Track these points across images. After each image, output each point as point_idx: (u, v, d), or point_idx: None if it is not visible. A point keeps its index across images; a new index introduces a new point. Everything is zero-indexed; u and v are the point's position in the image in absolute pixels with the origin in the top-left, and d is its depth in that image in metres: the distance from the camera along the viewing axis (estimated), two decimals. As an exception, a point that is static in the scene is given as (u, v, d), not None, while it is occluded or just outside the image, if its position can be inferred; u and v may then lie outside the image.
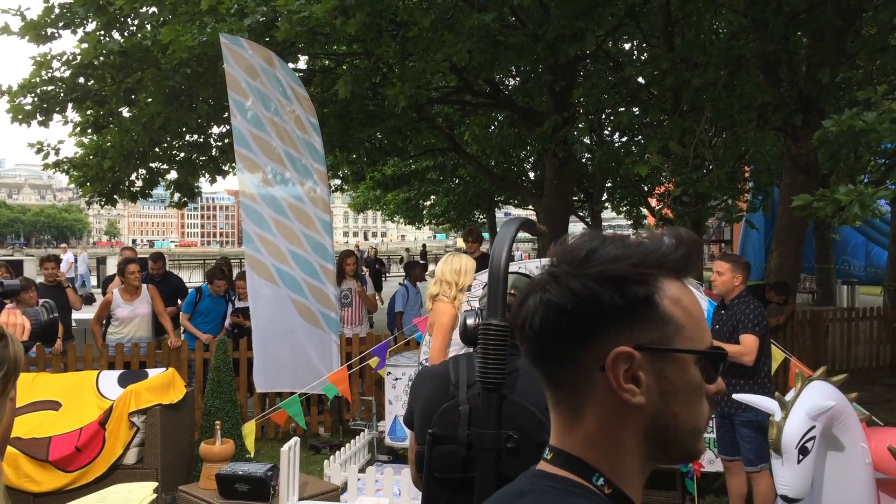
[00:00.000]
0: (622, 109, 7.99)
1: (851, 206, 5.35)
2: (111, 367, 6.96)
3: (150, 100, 9.17)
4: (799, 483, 4.23)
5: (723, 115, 7.89)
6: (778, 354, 5.49)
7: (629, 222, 24.06)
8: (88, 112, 10.60)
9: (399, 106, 8.10)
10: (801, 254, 10.42)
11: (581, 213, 25.58)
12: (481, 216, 27.43)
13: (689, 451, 0.98)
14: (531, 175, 20.29)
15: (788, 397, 4.37)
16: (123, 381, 5.69)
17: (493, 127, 16.60)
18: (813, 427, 4.22)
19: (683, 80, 8.05)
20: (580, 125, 8.41)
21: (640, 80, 9.84)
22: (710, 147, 7.53)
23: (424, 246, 41.61)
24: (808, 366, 8.24)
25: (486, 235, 27.74)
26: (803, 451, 4.20)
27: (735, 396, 4.64)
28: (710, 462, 5.47)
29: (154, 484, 2.75)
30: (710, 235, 39.79)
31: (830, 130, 5.49)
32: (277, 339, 6.96)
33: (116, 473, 5.30)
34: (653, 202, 18.41)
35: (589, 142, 16.82)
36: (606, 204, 23.31)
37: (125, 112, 10.52)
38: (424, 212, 26.22)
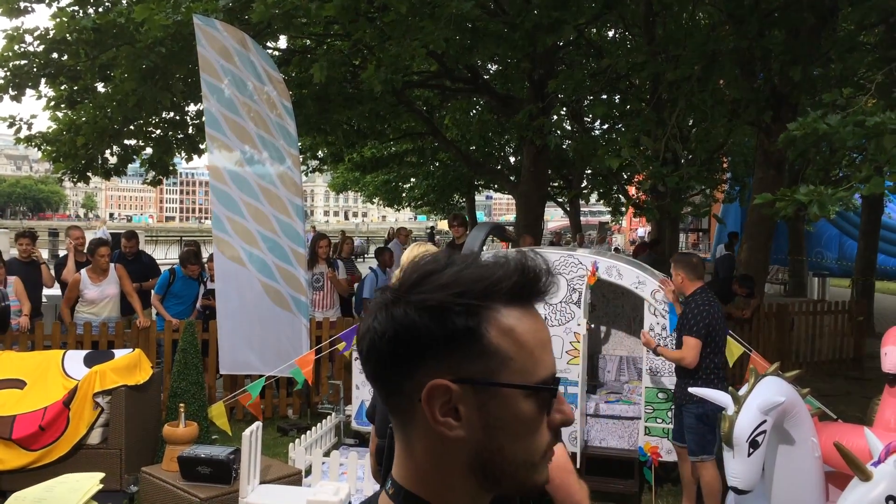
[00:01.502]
0: (598, 99, 8.01)
1: (811, 206, 5.44)
2: (80, 346, 6.95)
3: (125, 76, 9.08)
4: (749, 475, 4.34)
5: (696, 109, 7.95)
6: (736, 349, 5.59)
7: (608, 209, 24.22)
8: (62, 87, 10.47)
9: (374, 89, 8.08)
10: (770, 248, 10.57)
11: (560, 200, 25.70)
12: (461, 199, 27.45)
13: (523, 483, 0.93)
14: (511, 160, 20.33)
15: (742, 392, 4.47)
16: (89, 362, 5.69)
17: (473, 112, 16.59)
18: (764, 421, 4.33)
19: (659, 73, 8.12)
20: (556, 115, 8.42)
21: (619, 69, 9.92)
22: (682, 141, 7.59)
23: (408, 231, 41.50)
24: (772, 358, 8.40)
25: (466, 217, 27.85)
26: (754, 445, 4.30)
27: (691, 390, 4.73)
28: (669, 452, 5.58)
29: (100, 475, 2.80)
30: (688, 224, 40.15)
31: (794, 133, 5.57)
32: (246, 322, 6.99)
33: (80, 453, 5.32)
34: (631, 191, 18.56)
35: (570, 128, 16.92)
36: (585, 191, 23.43)
37: (100, 87, 10.40)
38: (404, 194, 26.17)
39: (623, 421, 5.92)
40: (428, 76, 12.60)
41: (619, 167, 7.98)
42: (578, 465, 5.67)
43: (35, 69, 9.23)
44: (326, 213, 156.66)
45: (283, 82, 7.32)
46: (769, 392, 4.39)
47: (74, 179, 10.46)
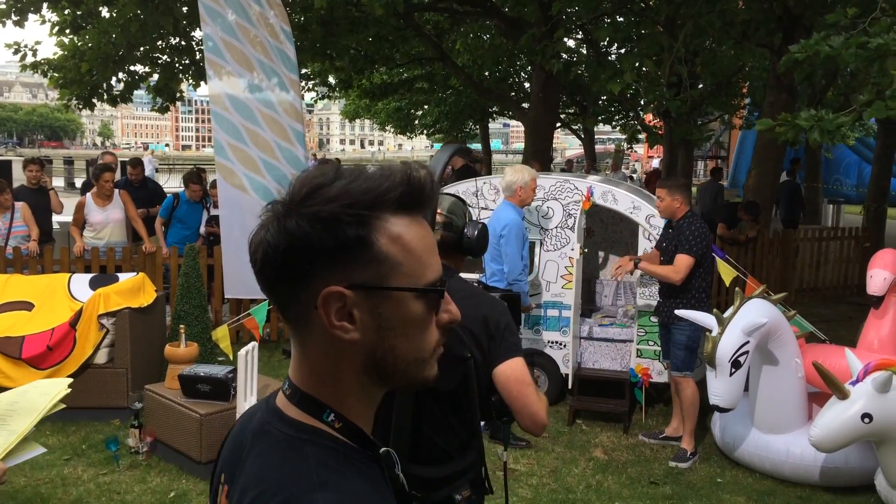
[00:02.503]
0: (603, 22, 7.82)
1: (812, 131, 5.37)
2: (87, 270, 7.10)
3: (126, 1, 8.98)
4: (730, 394, 4.45)
5: (703, 31, 7.77)
6: (729, 272, 5.63)
7: (624, 136, 23.93)
8: (66, 12, 10.38)
9: (375, 12, 7.95)
10: (780, 172, 10.47)
11: (574, 127, 25.39)
12: (475, 126, 27.19)
13: (413, 379, 1.01)
14: (526, 87, 20.01)
15: (727, 314, 4.54)
16: (94, 284, 5.83)
17: (486, 37, 16.26)
18: (747, 342, 4.41)
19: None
20: (563, 38, 8.24)
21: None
22: (688, 65, 7.45)
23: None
24: (775, 285, 8.43)
25: (479, 146, 27.55)
26: (736, 365, 4.39)
27: (678, 312, 4.80)
28: (660, 373, 5.70)
29: (68, 380, 2.92)
30: (707, 152, 39.56)
31: (796, 56, 5.45)
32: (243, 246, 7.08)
33: (88, 372, 5.52)
34: (648, 118, 18.28)
35: (585, 53, 16.56)
36: (601, 118, 23.10)
37: (104, 13, 10.30)
38: (416, 122, 25.95)
39: (616, 343, 6.02)
40: (436, -1, 12.34)
41: (625, 91, 7.84)
42: (570, 386, 5.82)
43: (36, -7, 9.14)
44: (342, 142, 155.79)
45: (281, 5, 7.21)
46: (753, 314, 4.45)
47: (80, 106, 10.48)
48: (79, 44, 10.41)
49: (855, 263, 10.43)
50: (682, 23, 8.01)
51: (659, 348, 5.62)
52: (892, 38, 5.18)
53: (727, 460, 5.09)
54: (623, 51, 14.43)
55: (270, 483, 0.94)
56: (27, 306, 5.78)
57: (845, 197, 22.03)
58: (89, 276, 6.11)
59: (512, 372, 2.17)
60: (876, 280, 4.75)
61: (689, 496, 4.57)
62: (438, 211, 2.31)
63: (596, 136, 34.07)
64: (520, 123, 15.16)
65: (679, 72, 7.17)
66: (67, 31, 10.62)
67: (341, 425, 1.00)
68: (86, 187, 8.63)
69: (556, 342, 5.94)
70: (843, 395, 4.04)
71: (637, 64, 7.37)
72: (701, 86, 16.13)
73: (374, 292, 0.95)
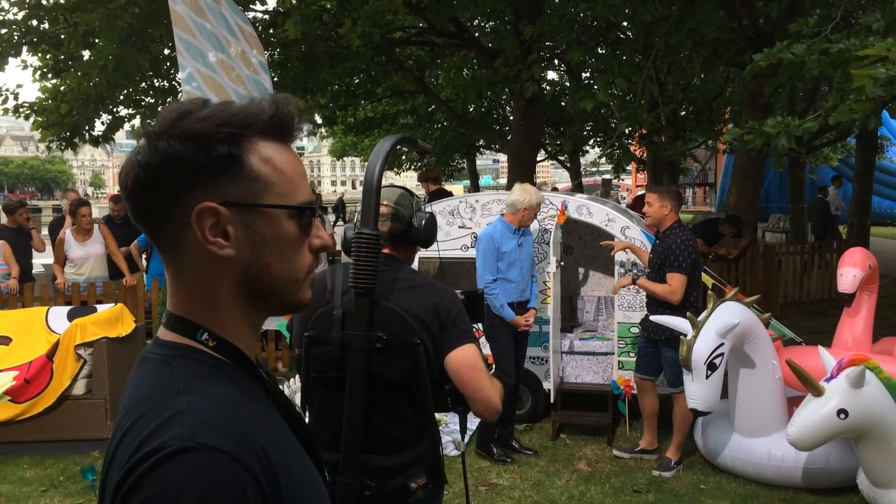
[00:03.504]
0: (577, 45, 7.95)
1: (778, 137, 5.44)
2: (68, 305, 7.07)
3: (106, 42, 9.09)
4: (707, 397, 4.44)
5: (674, 50, 7.90)
6: (706, 280, 5.65)
7: (611, 166, 24.10)
8: (48, 56, 10.51)
9: (353, 44, 8.07)
10: (759, 191, 10.56)
11: (561, 158, 25.59)
12: (461, 161, 27.34)
13: (289, 300, 1.05)
14: (510, 118, 20.21)
15: (700, 318, 4.54)
16: (72, 316, 5.81)
17: (465, 72, 16.47)
18: (721, 344, 4.41)
19: (638, 16, 8.04)
20: (538, 61, 8.34)
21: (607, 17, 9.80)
22: (660, 84, 7.55)
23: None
24: (762, 300, 8.45)
25: (466, 182, 27.62)
26: (711, 367, 4.39)
27: (652, 318, 4.80)
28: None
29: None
30: (694, 179, 39.82)
31: (760, 64, 5.54)
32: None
33: (66, 404, 5.47)
34: (633, 146, 18.47)
35: (566, 82, 16.76)
36: (585, 148, 23.28)
37: (85, 55, 10.42)
38: (403, 157, 26.11)
39: (597, 357, 6.01)
40: (414, 32, 12.52)
41: (599, 110, 7.93)
42: (553, 400, 5.78)
43: (16, 37, 9.25)
44: (333, 183, 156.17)
45: (256, 37, 7.32)
46: (726, 316, 4.46)
47: (62, 147, 10.54)
48: (60, 86, 10.52)
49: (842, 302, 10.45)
50: (653, 42, 8.15)
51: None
52: (853, 43, 5.28)
53: (711, 467, 5.05)
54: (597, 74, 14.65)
55: (139, 397, 0.95)
56: (5, 340, 5.75)
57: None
58: (67, 308, 6.09)
59: (464, 358, 2.17)
60: (846, 278, 4.77)
61: (672, 503, 4.53)
62: (385, 202, 2.33)
63: (585, 170, 34.28)
64: (500, 157, 15.30)
65: (651, 90, 7.26)
66: (49, 75, 10.75)
67: (216, 343, 1.01)
68: (53, 227, 8.59)
69: (537, 357, 5.92)
70: (818, 393, 4.04)
71: (610, 82, 7.46)
72: (683, 113, 16.40)
73: (248, 209, 0.98)
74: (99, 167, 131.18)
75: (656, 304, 5.05)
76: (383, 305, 2.17)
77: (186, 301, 1.02)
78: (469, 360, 2.17)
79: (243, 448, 0.90)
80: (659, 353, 5.09)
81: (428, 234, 2.34)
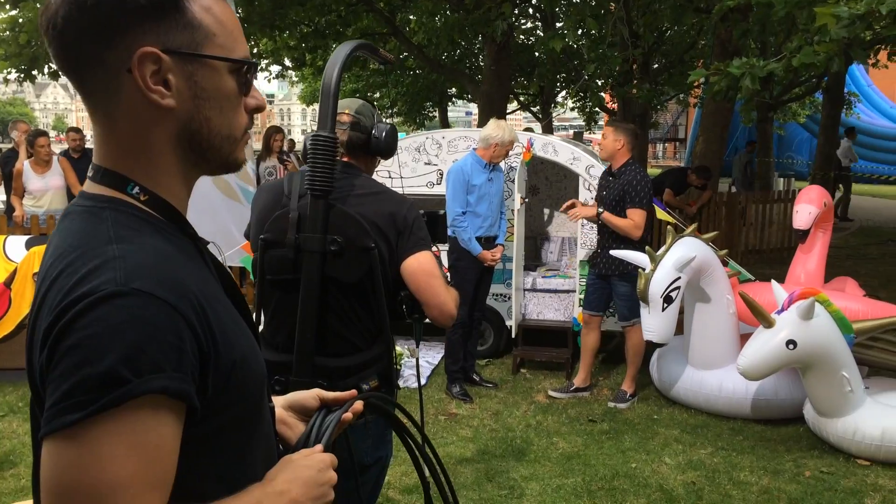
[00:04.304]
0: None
1: (744, 78, 5.47)
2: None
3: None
4: (663, 329, 4.54)
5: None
6: (667, 216, 5.72)
7: (583, 119, 24.07)
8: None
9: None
10: (726, 139, 10.65)
11: (533, 109, 25.50)
12: (432, 110, 27.12)
13: (226, 158, 1.03)
14: (482, 65, 20.03)
15: (659, 252, 4.62)
16: (30, 245, 5.72)
17: (437, 18, 16.22)
18: (678, 278, 4.49)
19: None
20: (511, 2, 8.24)
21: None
22: (630, 28, 7.53)
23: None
24: (721, 247, 8.58)
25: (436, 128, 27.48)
26: (668, 300, 4.47)
27: (613, 252, 4.85)
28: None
29: None
30: (665, 134, 39.95)
31: (728, 4, 5.55)
32: (197, 212, 7.01)
33: (24, 332, 5.42)
34: (607, 99, 18.45)
35: (538, 31, 16.62)
36: (558, 100, 23.21)
37: (44, -15, 10.08)
38: (374, 104, 25.77)
39: (559, 294, 6.09)
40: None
41: (571, 60, 7.89)
42: (514, 335, 5.86)
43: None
44: (304, 132, 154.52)
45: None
46: (683, 250, 4.53)
47: (20, 79, 10.24)
48: (19, 18, 10.15)
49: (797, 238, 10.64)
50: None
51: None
52: (819, -16, 5.30)
53: (664, 399, 5.19)
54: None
55: (67, 246, 0.92)
56: (-40, 270, 5.66)
57: (797, 172, 22.50)
58: (24, 237, 5.99)
59: (419, 264, 2.18)
60: (801, 215, 4.87)
61: (626, 430, 4.66)
62: (346, 111, 2.32)
63: (558, 124, 34.21)
64: (473, 106, 15.18)
65: (621, 32, 7.24)
66: (7, 6, 10.38)
67: (147, 198, 0.98)
68: (5, 161, 8.35)
69: (500, 294, 5.99)
70: (769, 324, 4.14)
71: (580, 23, 7.41)
72: (656, 66, 16.36)
73: (190, 59, 0.95)
74: (62, 110, 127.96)
75: (612, 239, 5.04)
76: (339, 209, 2.17)
77: (117, 153, 0.98)
78: (425, 266, 2.19)
79: (179, 297, 0.89)
80: (609, 288, 5.15)
81: (388, 145, 2.33)
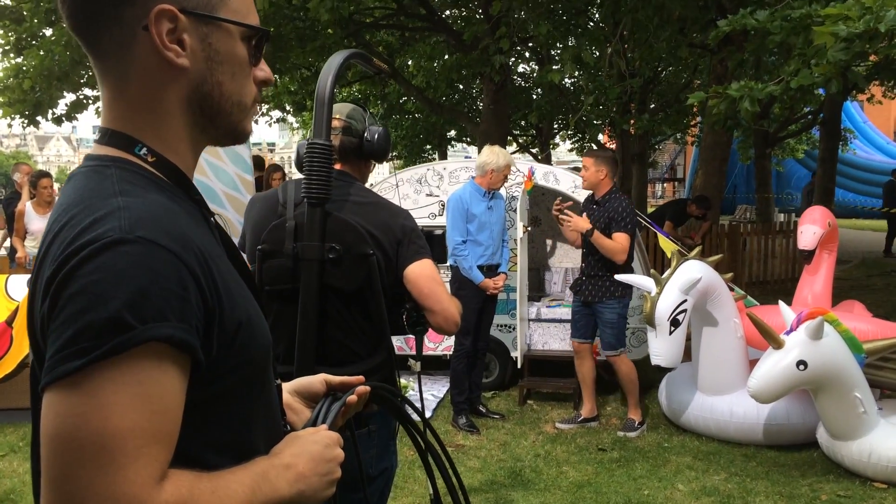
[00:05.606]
0: (543, 18, 7.93)
1: (742, 101, 5.50)
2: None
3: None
4: (670, 353, 4.48)
5: (640, 27, 7.95)
6: (669, 245, 5.70)
7: (580, 159, 24.22)
8: (10, 35, 10.30)
9: (321, 18, 8.00)
10: (725, 173, 10.68)
11: (532, 151, 25.70)
12: (432, 153, 27.30)
13: (235, 125, 1.03)
14: (480, 107, 20.23)
15: (664, 276, 4.58)
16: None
17: (436, 62, 16.42)
18: (685, 301, 4.45)
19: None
20: (507, 37, 8.33)
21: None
22: (626, 58, 7.61)
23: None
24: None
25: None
26: (675, 324, 4.43)
27: (618, 277, 4.81)
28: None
29: None
30: (663, 174, 40.14)
31: (724, 29, 5.60)
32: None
33: (27, 371, 5.36)
34: (605, 139, 18.65)
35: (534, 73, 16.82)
36: (556, 141, 23.37)
37: (48, 33, 10.23)
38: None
39: (564, 324, 6.04)
40: (384, 16, 12.48)
41: (569, 101, 7.96)
42: (520, 366, 5.79)
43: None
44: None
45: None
46: (689, 273, 4.50)
47: (24, 124, 10.34)
48: (23, 65, 10.30)
49: (802, 259, 10.62)
50: (620, 19, 8.21)
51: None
52: (814, 9, 5.36)
53: (674, 427, 5.10)
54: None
55: (70, 202, 0.91)
56: (-38, 309, 5.63)
57: (797, 208, 22.59)
58: (27, 276, 5.97)
59: (422, 270, 2.16)
60: (806, 235, 4.85)
61: (637, 458, 4.57)
62: (337, 116, 2.29)
63: (558, 164, 34.46)
64: (473, 150, 15.28)
65: (618, 64, 7.31)
66: (11, 53, 10.54)
67: (155, 160, 0.97)
68: (7, 204, 8.37)
69: (505, 325, 5.94)
70: (779, 345, 4.09)
71: (578, 56, 7.49)
72: (653, 105, 16.53)
73: (205, 21, 0.97)
74: (65, 163, 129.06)
75: (596, 266, 5.02)
76: (336, 217, 2.14)
77: (126, 114, 0.97)
78: (428, 272, 2.16)
79: (184, 248, 0.88)
80: (593, 315, 5.10)
81: (381, 147, 2.29)
